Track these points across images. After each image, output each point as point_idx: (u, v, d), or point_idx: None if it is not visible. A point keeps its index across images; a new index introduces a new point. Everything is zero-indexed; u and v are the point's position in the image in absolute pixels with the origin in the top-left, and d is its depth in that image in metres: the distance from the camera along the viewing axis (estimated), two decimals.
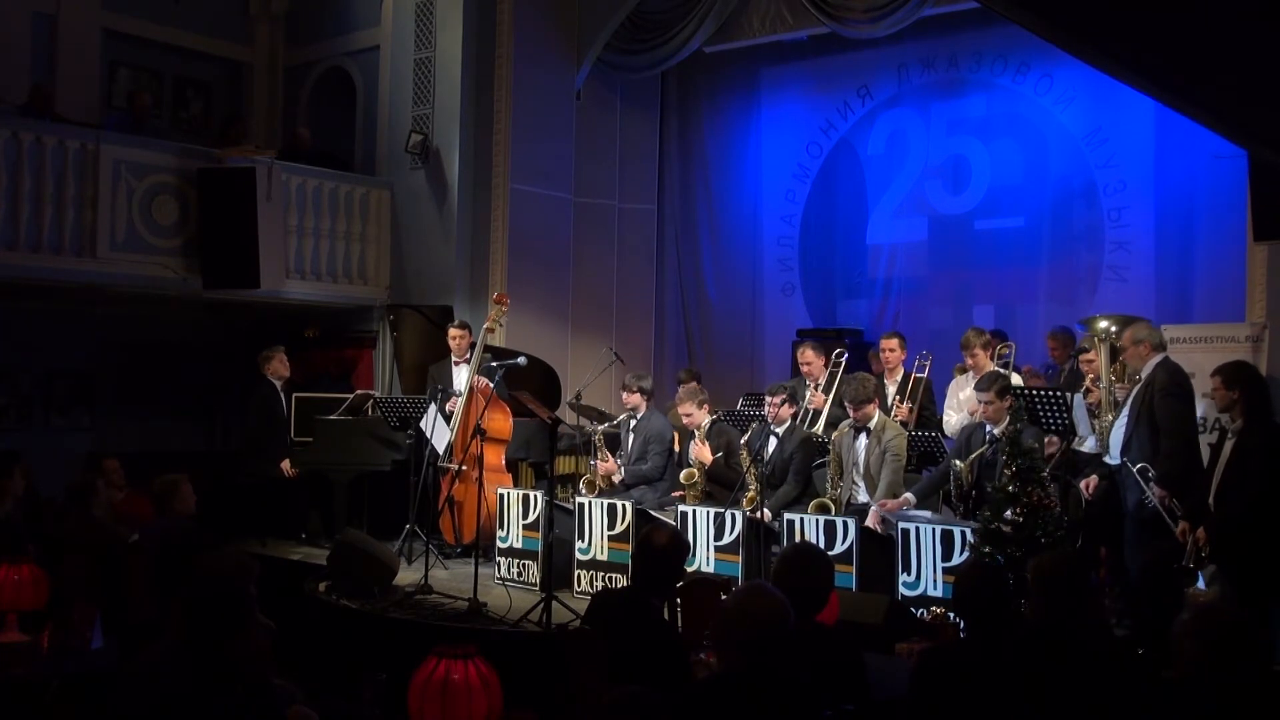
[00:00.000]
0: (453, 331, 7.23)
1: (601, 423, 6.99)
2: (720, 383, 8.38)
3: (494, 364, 6.48)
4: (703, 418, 6.36)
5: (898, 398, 6.41)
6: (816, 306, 9.16)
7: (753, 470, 5.68)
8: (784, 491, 5.84)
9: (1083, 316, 6.29)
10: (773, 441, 5.97)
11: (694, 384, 6.83)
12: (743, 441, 6.06)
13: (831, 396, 6.58)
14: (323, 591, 5.87)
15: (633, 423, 6.73)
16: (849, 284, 9.00)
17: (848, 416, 6.11)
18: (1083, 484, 5.26)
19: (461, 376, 7.06)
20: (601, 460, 6.61)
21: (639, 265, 9.95)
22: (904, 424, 6.07)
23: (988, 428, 5.27)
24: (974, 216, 8.41)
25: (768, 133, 9.51)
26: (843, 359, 6.77)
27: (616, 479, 6.53)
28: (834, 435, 5.79)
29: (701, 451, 6.20)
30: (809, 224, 9.28)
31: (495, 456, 6.77)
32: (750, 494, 5.67)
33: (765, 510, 5.52)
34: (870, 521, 5.33)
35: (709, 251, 9.80)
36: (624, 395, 6.73)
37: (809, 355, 6.77)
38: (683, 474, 6.26)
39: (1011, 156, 8.29)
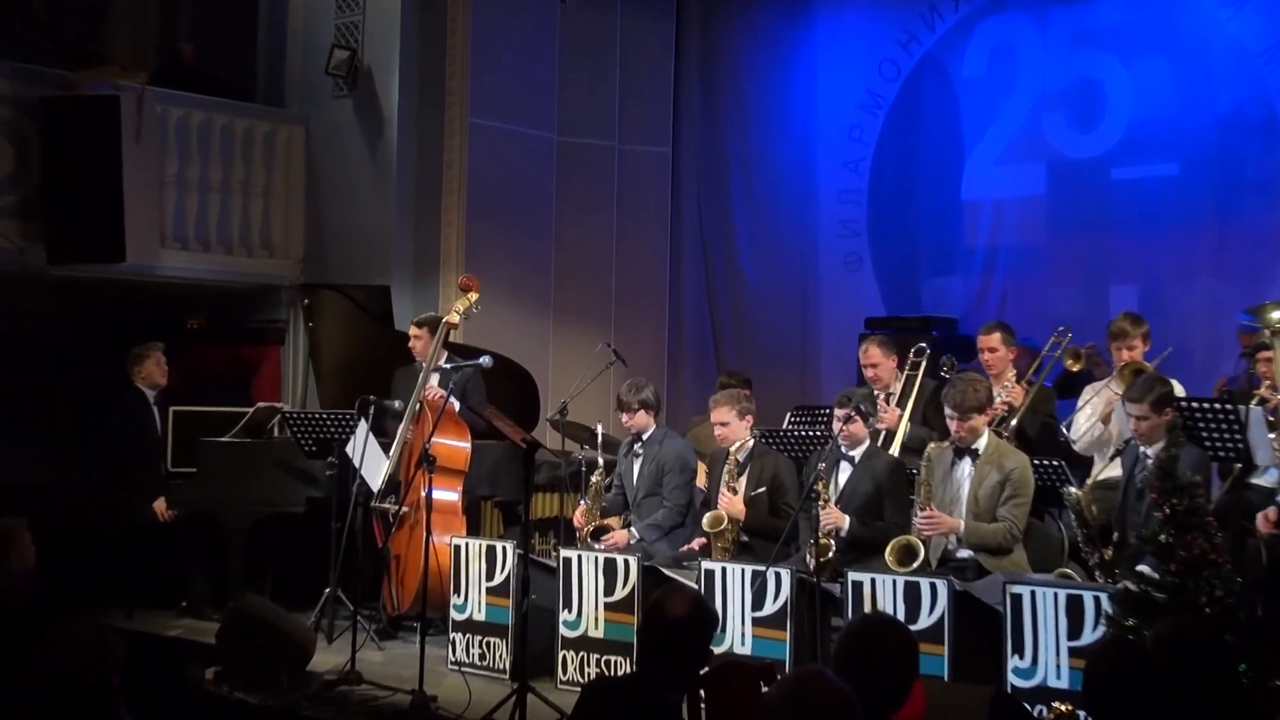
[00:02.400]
0: (413, 332, 7.31)
1: (598, 447, 7.05)
2: (760, 393, 8.34)
3: (448, 367, 6.61)
4: (742, 434, 6.37)
5: (1003, 405, 6.42)
6: (893, 286, 9.17)
7: (825, 503, 5.69)
8: (878, 532, 5.81)
9: (1260, 300, 6.34)
10: (845, 470, 5.97)
11: (737, 389, 6.84)
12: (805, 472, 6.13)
13: (908, 411, 6.61)
14: (210, 681, 5.86)
15: (637, 448, 6.74)
16: (937, 255, 9.00)
17: (931, 438, 6.17)
18: (1260, 518, 5.32)
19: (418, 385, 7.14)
20: (603, 517, 6.63)
21: (647, 230, 9.99)
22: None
23: (1141, 448, 5.32)
24: (1109, 162, 8.40)
25: (825, 49, 9.54)
26: (922, 358, 6.80)
27: (621, 536, 6.55)
28: (926, 453, 5.78)
29: (733, 504, 6.20)
30: (882, 173, 9.29)
31: (449, 493, 6.79)
32: (823, 542, 5.62)
33: (817, 556, 5.47)
34: (827, 521, 5.61)
35: (743, 211, 9.82)
36: (623, 419, 6.75)
37: (874, 354, 6.78)
38: (707, 518, 6.26)
39: (1161, 80, 8.27)
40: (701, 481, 6.83)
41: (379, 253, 8.98)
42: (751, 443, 6.38)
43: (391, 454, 6.83)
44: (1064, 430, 6.47)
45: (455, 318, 7.01)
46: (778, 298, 9.60)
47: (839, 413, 5.92)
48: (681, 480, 6.61)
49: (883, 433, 6.55)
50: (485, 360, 6.34)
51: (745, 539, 6.22)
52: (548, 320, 9.46)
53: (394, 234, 8.94)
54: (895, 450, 6.44)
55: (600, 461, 6.80)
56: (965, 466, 5.69)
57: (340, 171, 9.23)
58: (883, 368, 6.76)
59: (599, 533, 6.51)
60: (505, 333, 8.71)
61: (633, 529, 6.58)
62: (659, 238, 9.97)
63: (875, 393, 6.69)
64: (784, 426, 7.21)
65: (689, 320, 9.98)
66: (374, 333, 8.15)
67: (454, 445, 6.80)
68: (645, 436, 6.69)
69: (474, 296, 7.03)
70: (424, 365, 7.06)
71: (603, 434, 7.06)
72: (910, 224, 9.10)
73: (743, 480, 6.30)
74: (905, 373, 6.73)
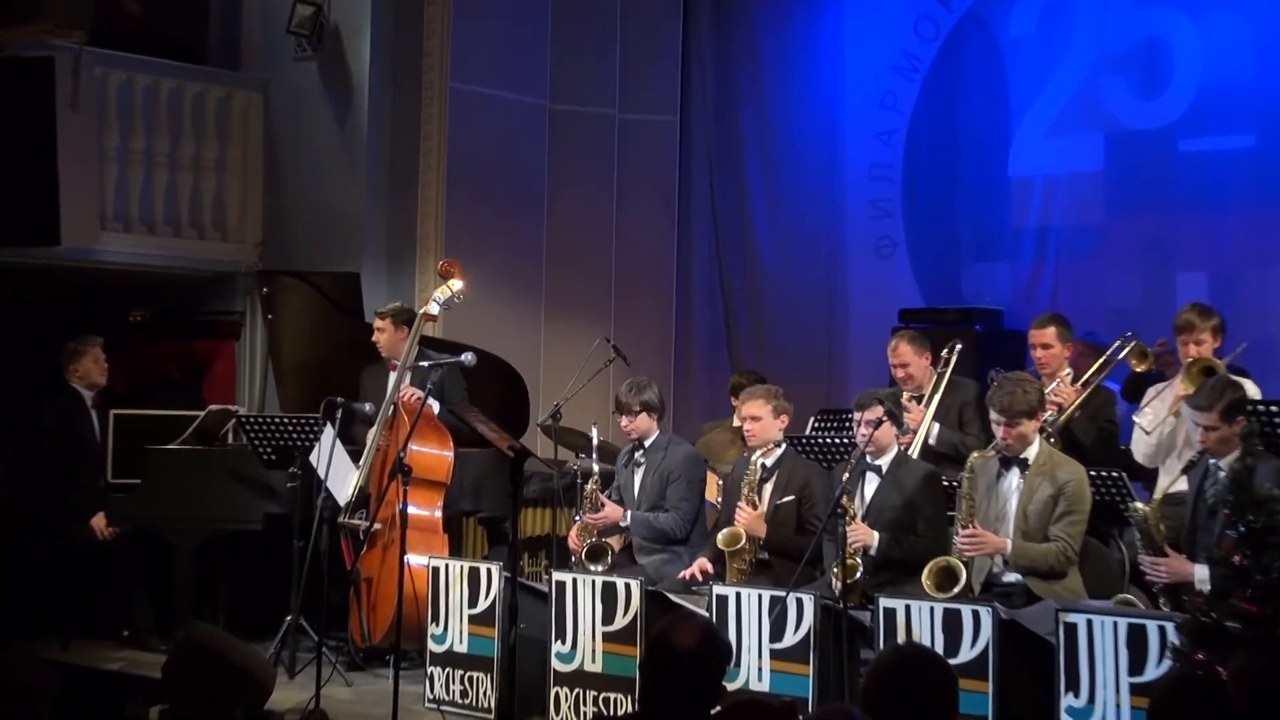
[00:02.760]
0: (376, 324, 7.34)
1: (594, 456, 7.07)
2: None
3: (425, 364, 6.59)
4: (774, 434, 6.39)
5: (1051, 405, 6.36)
6: (930, 274, 9.19)
7: (852, 520, 5.72)
8: (910, 551, 5.84)
9: None
10: (871, 482, 6.01)
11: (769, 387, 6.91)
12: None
13: (932, 409, 6.66)
14: None
15: (639, 456, 6.76)
16: (981, 239, 9.02)
17: (965, 444, 6.29)
18: None
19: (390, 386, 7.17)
20: (590, 510, 6.70)
21: (651, 210, 10.01)
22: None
23: (1212, 461, 5.32)
24: (1176, 133, 8.38)
25: (853, 5, 9.56)
26: (953, 355, 6.84)
27: (615, 512, 6.65)
28: (969, 463, 5.73)
29: (752, 521, 6.22)
30: (918, 146, 9.30)
31: (426, 508, 6.81)
32: (850, 562, 5.62)
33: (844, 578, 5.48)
34: (853, 539, 5.64)
35: (761, 189, 9.81)
36: (623, 422, 6.78)
37: (905, 352, 6.80)
38: (723, 535, 6.26)
39: (1235, 39, 8.22)
40: (713, 495, 6.85)
41: (348, 235, 8.98)
42: (782, 448, 6.40)
43: (361, 464, 6.84)
44: (1135, 424, 6.41)
45: (433, 309, 7.02)
46: (800, 287, 9.63)
47: (868, 416, 5.91)
48: (688, 489, 6.61)
49: (914, 436, 6.60)
50: (468, 357, 6.35)
51: (765, 557, 6.23)
52: (538, 312, 9.48)
53: (364, 214, 8.96)
54: (914, 453, 6.46)
55: (597, 470, 6.81)
56: (1013, 478, 5.67)
57: (304, 143, 9.23)
58: (914, 367, 6.75)
59: (595, 554, 6.53)
60: (490, 326, 8.72)
61: (629, 515, 6.64)
62: (665, 219, 10.02)
63: (904, 392, 6.70)
64: (807, 431, 7.21)
65: (699, 312, 10.02)
66: (342, 326, 8.14)
67: (433, 454, 6.81)
68: (648, 443, 6.70)
69: (456, 284, 7.03)
70: (399, 362, 7.06)
71: (600, 440, 7.09)
72: (950, 203, 9.11)
73: (767, 489, 6.32)
74: (937, 371, 6.75)
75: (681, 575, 6.33)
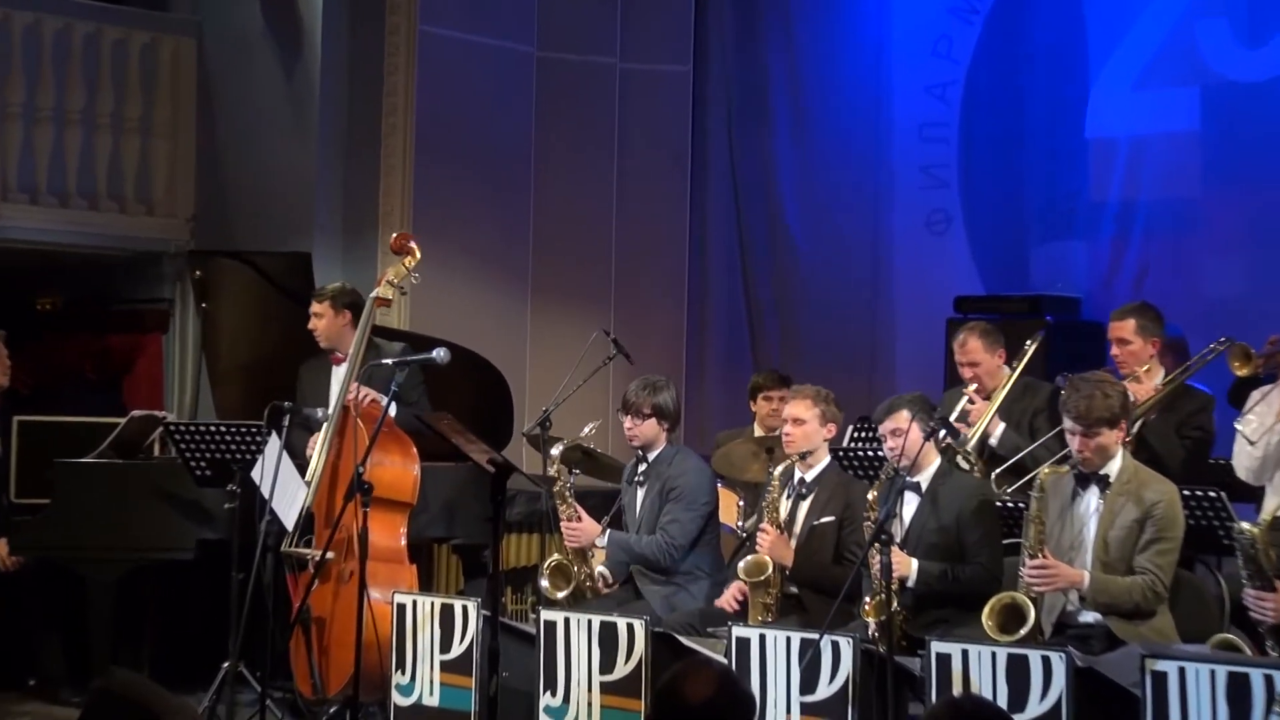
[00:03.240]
0: (313, 309, 7.33)
1: (590, 467, 7.02)
2: None
3: (388, 362, 6.55)
4: (817, 443, 6.42)
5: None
6: (992, 255, 9.21)
7: (883, 552, 5.62)
8: (958, 583, 5.87)
9: None
10: (909, 502, 6.06)
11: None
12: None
13: (996, 405, 6.73)
14: None
15: (642, 472, 6.79)
16: (1053, 213, 9.01)
17: (1035, 454, 6.29)
18: None
19: (337, 385, 7.19)
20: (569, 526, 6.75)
21: (660, 177, 10.01)
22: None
23: None
24: None
25: None
26: (1032, 347, 6.90)
27: (588, 529, 6.71)
28: (1038, 480, 5.70)
29: (774, 545, 6.23)
30: (978, 101, 9.31)
31: (389, 534, 6.80)
32: (873, 600, 5.67)
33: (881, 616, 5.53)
34: (724, 599, 5.79)
35: (791, 152, 9.80)
36: (625, 423, 6.79)
37: (975, 349, 6.86)
38: (744, 564, 6.28)
39: None
40: (731, 518, 6.82)
41: (297, 208, 9.02)
42: (826, 460, 6.43)
43: (310, 479, 6.84)
44: (1238, 432, 6.34)
45: (387, 291, 7.00)
46: (838, 270, 9.63)
47: (889, 425, 5.97)
48: (684, 508, 6.57)
49: (981, 444, 6.65)
50: (440, 354, 6.32)
51: (793, 592, 6.24)
52: (523, 299, 9.51)
53: (317, 183, 8.98)
54: (970, 445, 6.57)
55: (569, 475, 6.83)
56: (1091, 499, 5.65)
57: (245, 98, 9.28)
58: (985, 367, 6.79)
59: (574, 596, 6.58)
60: (465, 314, 8.74)
61: (607, 534, 6.67)
62: (675, 188, 10.00)
63: (964, 394, 6.76)
64: (844, 444, 7.22)
65: (716, 301, 10.04)
66: (291, 316, 7.85)
67: (396, 468, 6.79)
68: (651, 456, 6.71)
69: (411, 261, 7.04)
70: (348, 355, 7.09)
71: (599, 453, 7.03)
72: (1017, 170, 9.10)
73: (803, 508, 6.35)
74: (1012, 369, 6.81)
75: (719, 602, 6.36)
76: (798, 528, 6.30)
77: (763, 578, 6.14)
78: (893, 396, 6.33)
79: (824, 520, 6.26)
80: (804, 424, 6.35)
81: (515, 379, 8.70)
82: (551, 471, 6.81)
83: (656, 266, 10.00)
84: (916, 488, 6.00)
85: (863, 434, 7.41)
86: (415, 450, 6.85)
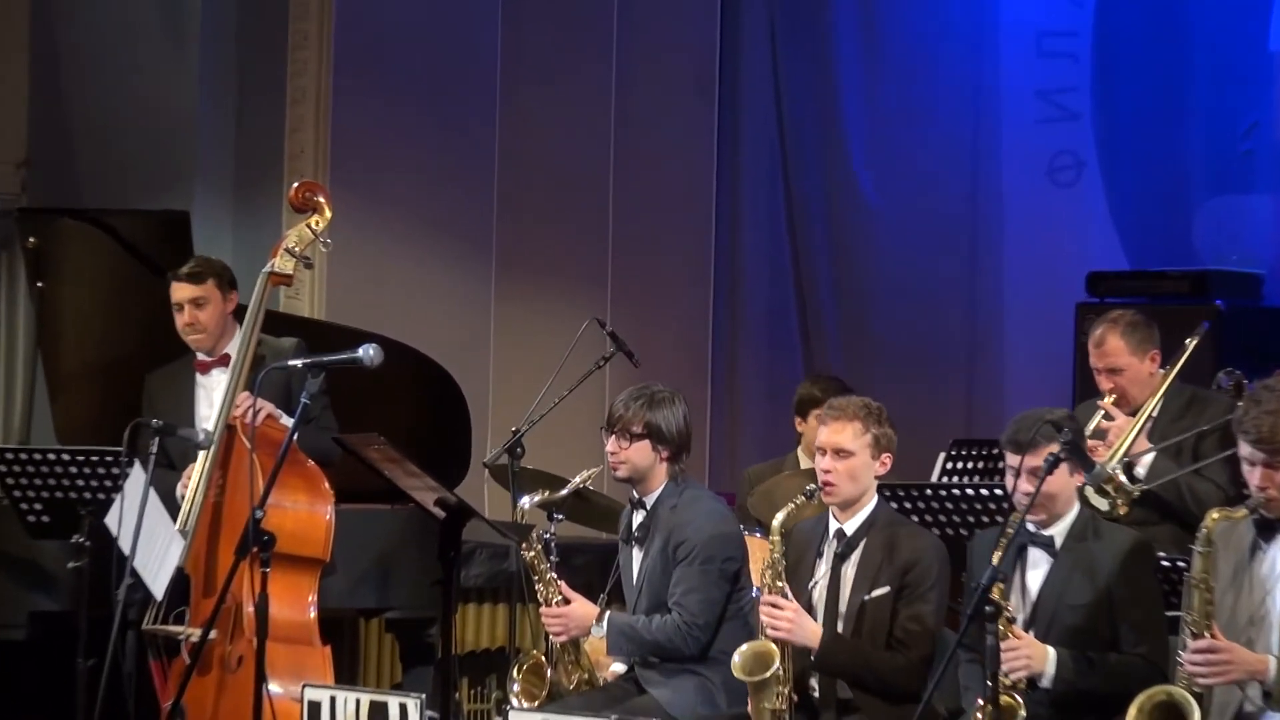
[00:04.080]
0: (183, 292, 7.32)
1: (580, 511, 7.00)
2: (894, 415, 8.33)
3: (297, 363, 6.61)
4: (865, 480, 6.39)
5: None
6: (1140, 216, 9.34)
7: (1010, 626, 5.72)
8: (1110, 677, 5.81)
9: None
10: (1038, 564, 6.01)
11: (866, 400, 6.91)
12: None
13: (1142, 421, 6.82)
14: None
15: (639, 522, 6.76)
16: (1226, 158, 9.12)
17: (1203, 492, 6.47)
18: None
19: (217, 398, 7.24)
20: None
21: (676, 110, 10.24)
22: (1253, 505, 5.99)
23: None
24: None
25: None
26: (1192, 345, 6.98)
27: (581, 612, 6.76)
28: (1203, 529, 5.68)
29: (796, 625, 6.18)
30: (1118, 2, 9.43)
31: (294, 604, 6.79)
32: (1005, 700, 5.65)
33: None
34: (1013, 661, 5.70)
35: (857, 74, 9.99)
36: (608, 445, 6.76)
37: (1115, 348, 6.93)
38: (740, 655, 6.20)
39: None
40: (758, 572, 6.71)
41: (171, 150, 9.17)
42: (872, 504, 6.38)
43: (185, 527, 6.83)
44: None
45: (286, 264, 7.05)
46: (922, 235, 9.87)
47: (1029, 461, 5.88)
48: (701, 573, 6.54)
49: (1109, 470, 6.61)
50: (369, 353, 6.34)
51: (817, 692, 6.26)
52: (486, 276, 9.64)
53: (197, 118, 9.13)
54: (1112, 483, 6.59)
55: (549, 529, 6.93)
56: (1277, 555, 5.64)
57: (96, 9, 9.48)
58: (1132, 374, 6.86)
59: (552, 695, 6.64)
60: (404, 299, 9.02)
61: (606, 619, 6.63)
62: (697, 124, 10.17)
63: (1097, 408, 6.83)
64: (934, 478, 7.36)
65: (753, 278, 10.23)
66: (160, 298, 7.80)
67: (301, 511, 6.81)
68: (650, 499, 6.69)
69: (320, 222, 7.10)
70: (233, 357, 7.08)
71: (593, 492, 7.01)
72: (1174, 96, 9.21)
73: (848, 572, 6.32)
74: (1168, 372, 6.89)
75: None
76: (842, 604, 6.28)
77: (769, 674, 6.08)
78: (1028, 414, 6.18)
79: (880, 593, 6.23)
80: (850, 457, 6.31)
81: (474, 388, 8.91)
82: (528, 555, 6.82)
83: (670, 233, 10.13)
84: (1047, 545, 5.97)
85: (961, 465, 7.47)
86: (327, 486, 6.90)
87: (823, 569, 6.31)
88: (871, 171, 9.92)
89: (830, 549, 6.31)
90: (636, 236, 9.86)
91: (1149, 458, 6.74)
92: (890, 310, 9.87)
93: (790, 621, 6.12)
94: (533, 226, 9.80)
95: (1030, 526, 5.92)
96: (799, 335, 10.14)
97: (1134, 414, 6.84)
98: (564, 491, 7.08)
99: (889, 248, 9.90)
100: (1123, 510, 6.53)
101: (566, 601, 6.67)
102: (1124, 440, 6.74)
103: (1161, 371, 6.91)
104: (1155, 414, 6.94)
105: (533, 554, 6.73)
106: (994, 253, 9.61)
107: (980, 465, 7.33)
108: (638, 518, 6.72)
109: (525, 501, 7.01)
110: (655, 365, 8.09)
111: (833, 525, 6.32)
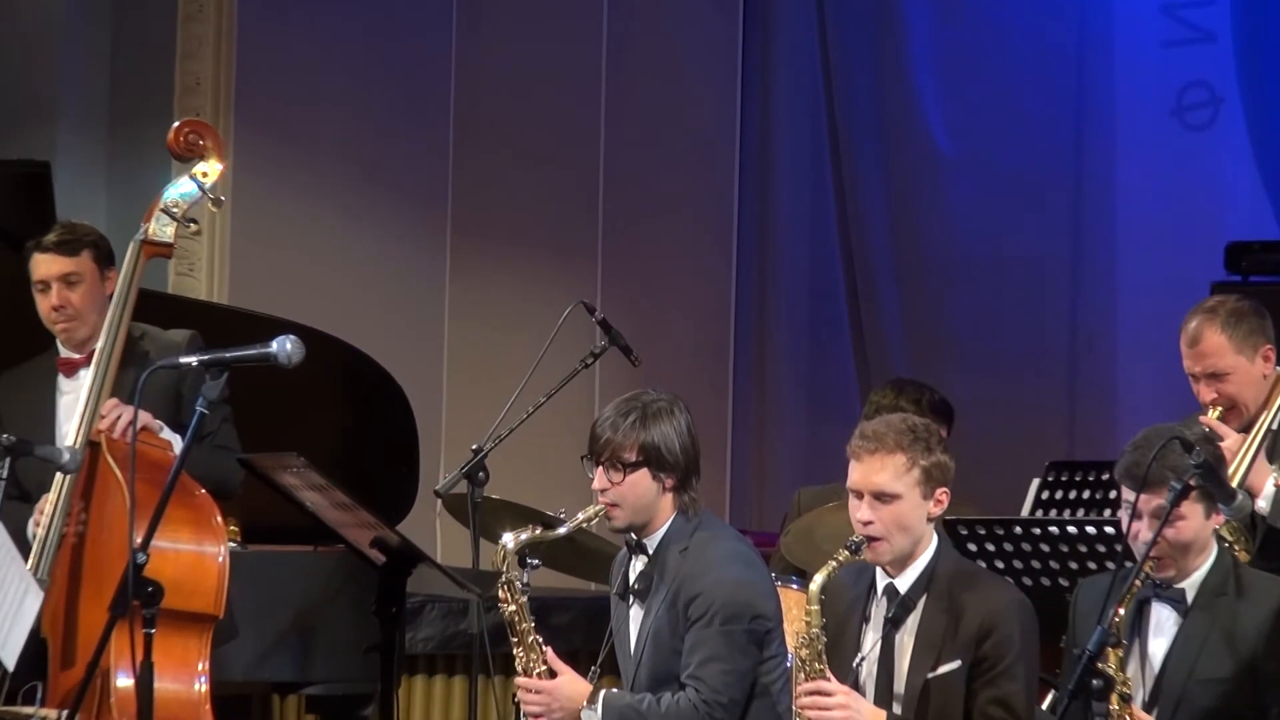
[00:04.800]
0: (48, 268, 7.43)
1: (562, 555, 6.91)
2: (970, 432, 8.28)
3: (190, 361, 6.61)
4: (916, 525, 6.41)
5: None
6: None
7: (1126, 707, 5.83)
8: None
9: None
10: (1162, 623, 6.16)
11: (917, 419, 6.88)
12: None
13: (1260, 438, 6.99)
14: None
15: (638, 571, 6.81)
16: None
17: None
18: None
19: (78, 405, 7.31)
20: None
21: (687, 38, 10.97)
22: None
23: None
24: None
25: None
26: None
27: (572, 689, 6.82)
28: None
29: (854, 713, 6.22)
30: None
31: (180, 673, 6.84)
32: None
33: None
34: None
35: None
36: (595, 482, 6.80)
37: (1215, 344, 7.08)
38: None
39: None
40: (793, 635, 6.81)
41: (26, 80, 9.39)
42: (931, 549, 6.39)
43: (40, 574, 6.84)
44: None
45: (164, 230, 7.09)
46: (1010, 194, 9.97)
47: (1151, 499, 5.94)
48: (725, 639, 6.53)
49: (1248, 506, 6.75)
50: (284, 348, 6.35)
51: None
52: (440, 249, 9.97)
53: (62, 35, 9.41)
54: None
55: (525, 576, 7.02)
56: None
57: None
58: (1240, 377, 6.97)
59: None
60: (333, 278, 9.31)
61: (600, 700, 6.62)
62: (714, 39, 10.58)
63: (1201, 421, 6.82)
64: (1025, 511, 7.52)
65: (788, 251, 10.35)
66: (9, 274, 7.98)
67: (186, 554, 6.80)
68: (651, 542, 6.71)
69: (209, 174, 7.16)
70: (66, 357, 7.25)
71: (575, 523, 7.05)
72: None
73: (904, 644, 6.35)
74: None
75: None
76: (899, 684, 6.32)
77: None
78: (1151, 433, 6.17)
79: (948, 669, 6.24)
80: (894, 501, 6.31)
81: (424, 393, 9.10)
82: (504, 574, 6.83)
83: (679, 190, 10.31)
84: (1176, 600, 6.05)
85: (1060, 494, 7.64)
86: (219, 520, 6.90)
87: (871, 638, 6.31)
88: (945, 112, 9.94)
89: (879, 611, 6.31)
90: (635, 195, 9.94)
91: (1269, 485, 6.72)
92: (968, 294, 9.93)
93: (845, 710, 6.12)
94: (499, 181, 9.95)
95: (1151, 574, 5.92)
96: (848, 327, 10.19)
97: (1247, 430, 6.85)
98: (561, 530, 6.98)
99: (966, 211, 9.99)
100: (1242, 557, 6.51)
101: (553, 674, 6.62)
102: (1238, 465, 6.71)
103: (1278, 370, 6.96)
104: (1276, 427, 6.97)
105: (514, 607, 6.68)
106: (1104, 218, 9.69)
107: (1085, 495, 7.42)
108: (637, 565, 6.70)
109: (508, 540, 6.81)
110: (660, 365, 8.19)
111: (880, 579, 6.33)
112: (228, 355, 6.53)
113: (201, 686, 6.81)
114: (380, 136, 9.45)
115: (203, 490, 6.86)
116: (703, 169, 10.09)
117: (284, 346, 6.31)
